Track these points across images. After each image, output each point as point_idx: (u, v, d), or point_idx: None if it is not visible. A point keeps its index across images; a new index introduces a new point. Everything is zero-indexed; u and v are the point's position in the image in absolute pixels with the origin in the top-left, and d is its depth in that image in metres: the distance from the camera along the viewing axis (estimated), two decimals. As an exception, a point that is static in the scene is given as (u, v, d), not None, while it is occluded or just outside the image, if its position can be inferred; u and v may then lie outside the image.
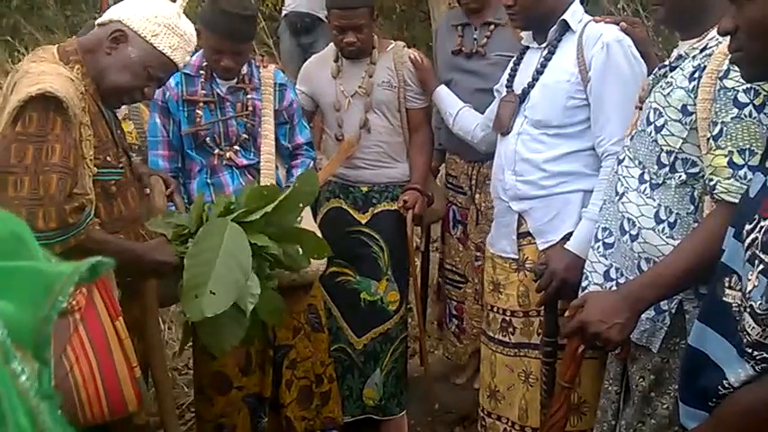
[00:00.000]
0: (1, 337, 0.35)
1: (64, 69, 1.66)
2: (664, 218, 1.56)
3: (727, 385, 1.12)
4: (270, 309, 1.88)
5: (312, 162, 2.48)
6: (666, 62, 1.67)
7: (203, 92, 2.28)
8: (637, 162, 1.62)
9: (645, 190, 1.60)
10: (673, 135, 1.54)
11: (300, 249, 1.97)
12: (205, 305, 1.63)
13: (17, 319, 0.37)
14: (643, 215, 1.59)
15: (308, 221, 2.26)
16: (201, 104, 2.27)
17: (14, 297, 0.38)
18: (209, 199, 2.27)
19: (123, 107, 2.36)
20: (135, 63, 1.72)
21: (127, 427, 1.79)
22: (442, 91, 2.53)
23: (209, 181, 2.30)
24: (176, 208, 2.04)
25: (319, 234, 2.30)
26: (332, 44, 2.60)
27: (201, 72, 2.27)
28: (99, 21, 1.76)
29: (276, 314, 1.95)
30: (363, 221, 2.60)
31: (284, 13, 4.80)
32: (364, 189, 2.60)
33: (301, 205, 1.87)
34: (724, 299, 1.15)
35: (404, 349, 2.70)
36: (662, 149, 1.56)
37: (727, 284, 1.16)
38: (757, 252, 1.06)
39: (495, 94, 2.25)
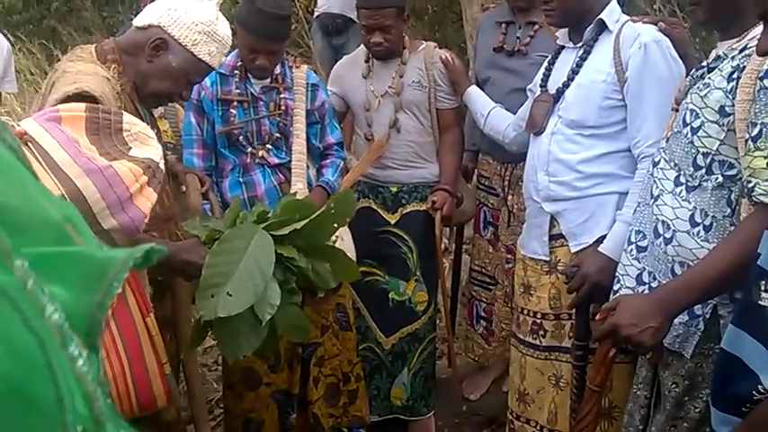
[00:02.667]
0: (59, 320, 0.34)
1: (101, 69, 1.68)
2: (699, 221, 1.53)
3: (762, 390, 1.10)
4: (290, 324, 1.84)
5: (342, 162, 2.49)
6: (704, 63, 1.64)
7: (237, 91, 2.31)
8: (672, 164, 1.60)
9: (680, 192, 1.57)
10: (709, 137, 1.51)
11: (329, 268, 1.94)
12: (220, 305, 1.61)
13: (70, 305, 0.36)
14: (678, 218, 1.56)
15: (346, 239, 2.28)
16: (235, 103, 2.30)
17: (65, 282, 0.37)
18: (242, 197, 2.30)
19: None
20: (175, 71, 1.74)
21: (156, 422, 1.81)
22: (474, 91, 2.52)
23: (241, 180, 2.33)
24: (211, 206, 2.06)
25: (353, 255, 2.32)
26: (363, 45, 2.61)
27: (236, 71, 2.30)
28: (138, 24, 1.77)
29: (297, 331, 1.92)
30: (392, 222, 2.60)
31: (316, 14, 4.83)
32: (394, 189, 2.61)
33: (336, 225, 1.86)
34: (760, 302, 1.13)
35: (432, 350, 2.69)
36: (698, 151, 1.53)
37: (762, 288, 1.13)
38: None
39: (529, 93, 2.23)
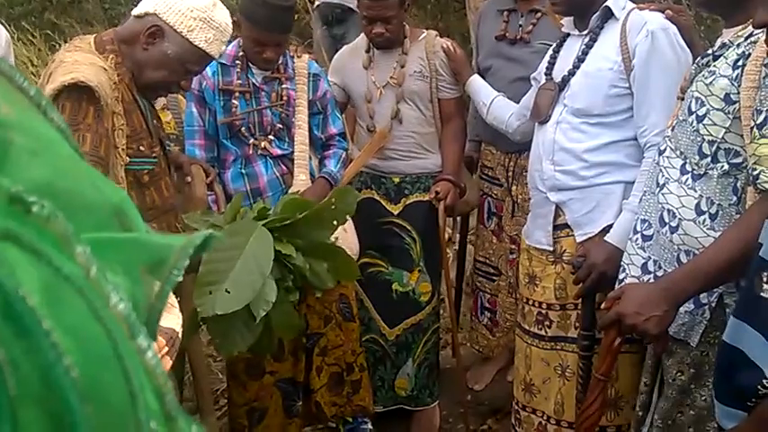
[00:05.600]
0: (125, 310, 0.31)
1: (98, 59, 1.67)
2: (705, 209, 1.53)
3: (767, 384, 1.09)
4: (285, 322, 1.83)
5: (345, 153, 2.48)
6: (710, 51, 1.63)
7: (239, 81, 2.29)
8: (678, 152, 1.59)
9: (686, 181, 1.56)
10: (715, 125, 1.50)
11: (327, 267, 1.92)
12: (218, 302, 1.60)
13: (128, 294, 0.34)
14: (684, 206, 1.56)
15: (349, 231, 2.27)
16: (237, 94, 2.29)
17: (121, 270, 0.35)
18: (244, 188, 2.30)
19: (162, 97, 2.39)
20: (172, 59, 1.72)
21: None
22: (476, 81, 2.50)
23: (243, 171, 2.32)
24: (216, 197, 2.05)
25: (356, 249, 2.31)
26: (363, 34, 2.59)
27: (237, 62, 2.29)
28: (135, 12, 1.76)
29: (290, 330, 1.90)
30: (395, 212, 2.59)
31: (316, 4, 4.81)
32: (396, 180, 2.60)
33: (335, 222, 1.83)
34: (761, 294, 1.12)
35: (436, 340, 2.69)
36: (704, 139, 1.53)
37: (764, 279, 1.12)
38: None
39: (533, 82, 2.21)
